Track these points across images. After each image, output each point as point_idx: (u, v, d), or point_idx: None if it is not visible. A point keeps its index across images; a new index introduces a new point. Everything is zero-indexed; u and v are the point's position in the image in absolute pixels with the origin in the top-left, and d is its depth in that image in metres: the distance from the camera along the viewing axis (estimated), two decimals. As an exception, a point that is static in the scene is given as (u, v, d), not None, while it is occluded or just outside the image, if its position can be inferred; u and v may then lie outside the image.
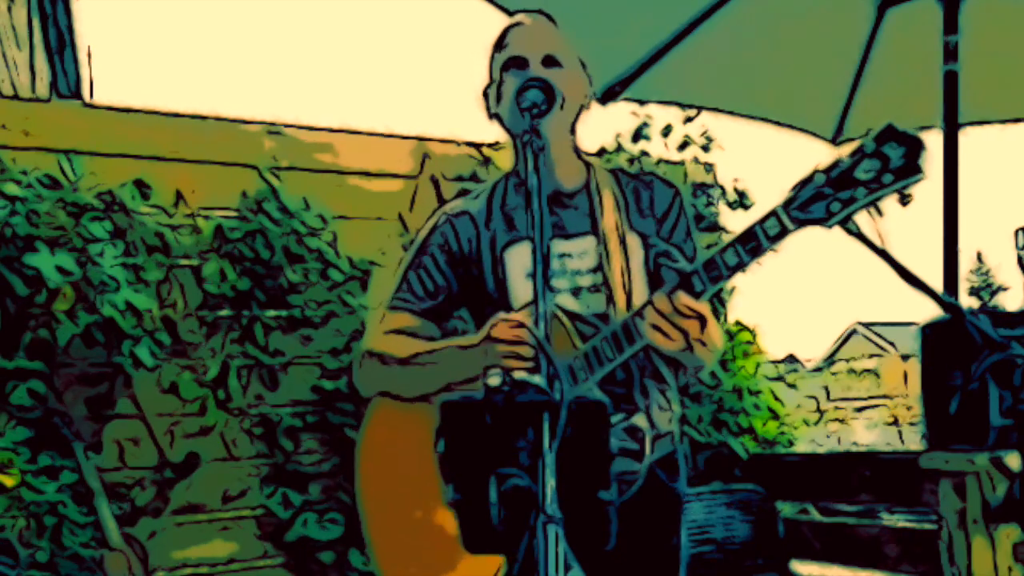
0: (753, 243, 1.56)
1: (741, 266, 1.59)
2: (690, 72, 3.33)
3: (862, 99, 3.56)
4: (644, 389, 1.85)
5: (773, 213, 1.55)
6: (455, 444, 1.54)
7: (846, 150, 1.52)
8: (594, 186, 1.89)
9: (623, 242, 1.85)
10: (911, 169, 1.47)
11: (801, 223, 1.53)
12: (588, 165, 1.93)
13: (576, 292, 1.83)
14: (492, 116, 1.90)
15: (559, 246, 1.85)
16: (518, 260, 1.85)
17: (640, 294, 1.84)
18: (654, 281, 1.88)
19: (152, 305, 3.25)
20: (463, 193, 2.17)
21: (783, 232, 1.54)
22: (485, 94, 1.92)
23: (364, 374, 1.95)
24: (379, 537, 1.90)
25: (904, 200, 1.49)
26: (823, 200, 1.51)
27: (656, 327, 1.62)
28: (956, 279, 2.96)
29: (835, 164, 1.51)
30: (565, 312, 1.78)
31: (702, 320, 1.62)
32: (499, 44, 1.89)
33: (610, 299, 1.81)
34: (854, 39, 3.40)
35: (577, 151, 1.91)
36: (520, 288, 1.83)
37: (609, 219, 1.86)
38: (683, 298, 1.60)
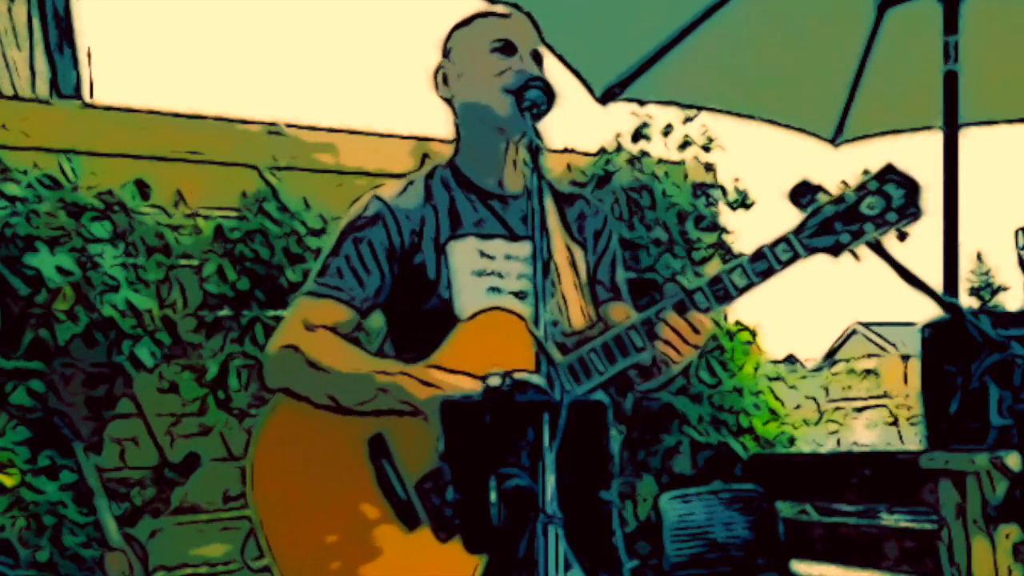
0: (765, 267, 1.62)
1: (750, 287, 1.63)
2: (690, 72, 3.33)
3: (862, 99, 3.56)
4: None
5: (785, 239, 1.62)
6: (455, 444, 1.54)
7: (849, 186, 1.63)
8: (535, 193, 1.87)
9: (570, 250, 1.84)
10: (913, 209, 1.60)
11: (812, 250, 1.62)
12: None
13: (522, 296, 1.77)
14: (447, 99, 1.85)
15: (505, 248, 1.80)
16: (462, 257, 1.78)
17: (589, 302, 1.84)
18: (594, 297, 1.87)
19: (152, 305, 3.25)
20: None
21: (795, 258, 1.62)
22: (437, 72, 1.85)
23: (281, 371, 1.75)
24: (284, 553, 1.73)
25: (902, 237, 1.62)
26: (833, 232, 1.61)
27: (668, 343, 1.63)
28: (956, 279, 2.96)
29: (841, 198, 1.61)
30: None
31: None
32: (468, 24, 1.85)
33: (562, 306, 1.77)
34: (854, 39, 3.40)
35: (523, 159, 1.86)
36: (465, 286, 1.76)
37: (554, 227, 1.83)
38: (697, 316, 1.63)
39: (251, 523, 1.77)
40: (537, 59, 1.81)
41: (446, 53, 1.87)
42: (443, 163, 1.90)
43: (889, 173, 1.60)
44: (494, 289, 1.77)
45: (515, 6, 1.89)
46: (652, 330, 1.63)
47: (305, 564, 1.71)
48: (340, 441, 1.71)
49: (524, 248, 1.78)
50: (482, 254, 1.79)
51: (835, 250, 1.61)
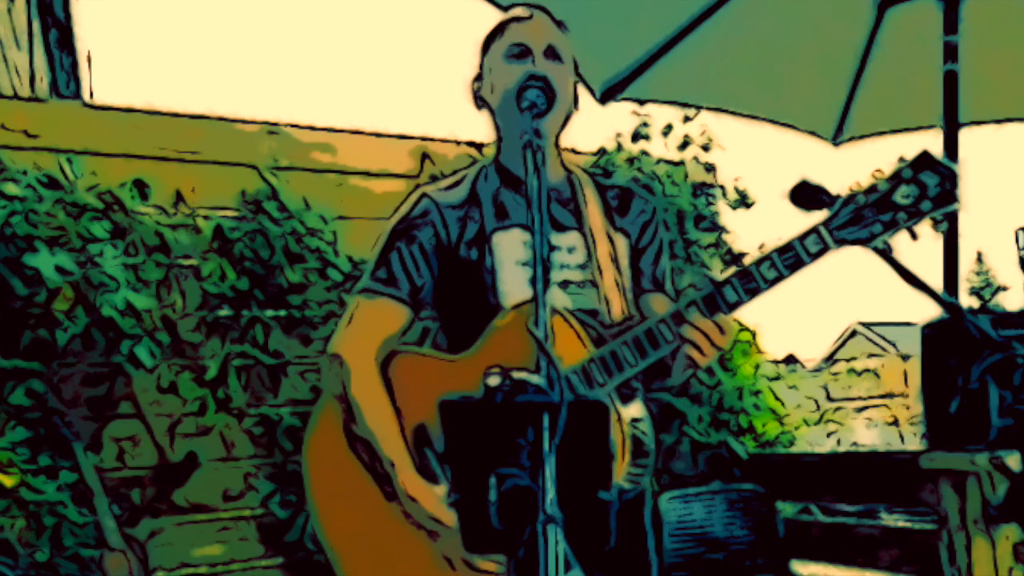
0: (793, 259, 1.60)
1: (780, 279, 1.61)
2: (690, 71, 3.33)
3: (862, 99, 3.56)
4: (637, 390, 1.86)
5: (815, 230, 1.59)
6: (455, 444, 1.54)
7: (883, 174, 1.58)
8: (577, 184, 1.89)
9: (611, 240, 1.85)
10: (948, 198, 1.54)
11: (842, 242, 1.58)
12: (566, 168, 1.92)
13: (564, 286, 1.81)
14: (481, 106, 1.89)
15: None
16: (507, 248, 1.82)
17: (629, 292, 1.85)
18: (636, 286, 1.89)
19: (152, 305, 3.25)
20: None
21: (824, 249, 1.59)
22: (474, 82, 1.90)
23: (331, 383, 1.85)
24: (338, 538, 1.84)
25: (937, 226, 1.55)
26: (864, 222, 1.57)
27: (695, 344, 1.64)
28: (956, 279, 2.95)
29: (873, 188, 1.57)
30: (567, 311, 1.75)
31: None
32: (496, 33, 1.88)
33: (602, 296, 1.80)
34: (854, 39, 3.40)
35: (559, 152, 1.91)
36: (509, 277, 1.80)
37: (595, 216, 1.85)
38: (724, 317, 1.63)
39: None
40: (552, 55, 1.82)
41: (480, 64, 1.90)
42: (490, 161, 1.93)
43: (925, 160, 1.55)
44: None
45: (530, 5, 1.90)
46: (682, 324, 1.64)
47: (354, 546, 1.80)
48: None
49: (567, 238, 1.83)
50: (526, 244, 1.81)
51: (867, 242, 1.57)
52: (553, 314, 1.66)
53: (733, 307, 1.63)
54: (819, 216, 1.61)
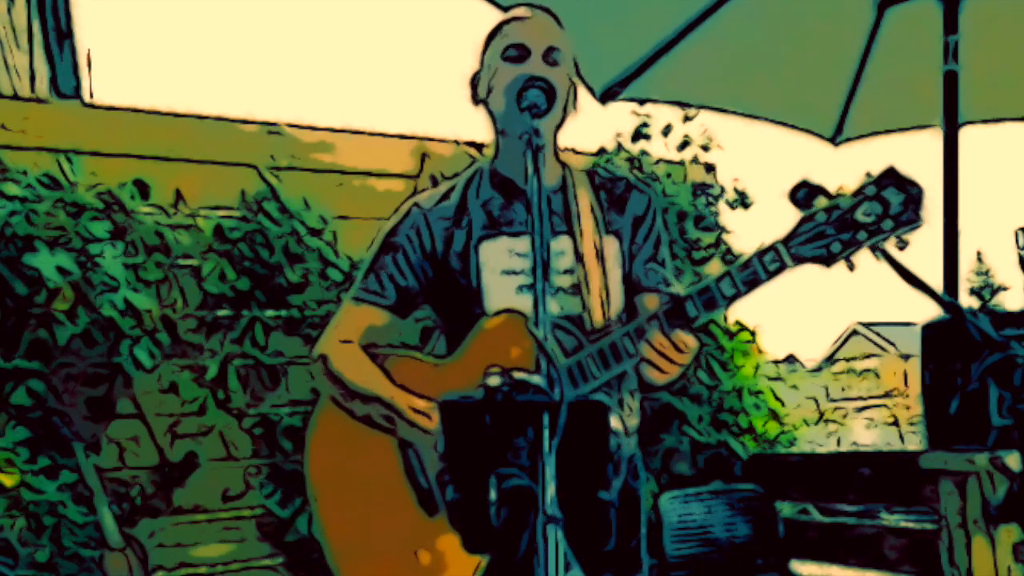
0: (751, 276, 1.58)
1: (737, 296, 1.60)
2: (690, 71, 3.33)
3: (862, 99, 3.55)
4: (620, 396, 1.85)
5: (773, 248, 1.57)
6: (455, 444, 1.54)
7: (847, 189, 1.54)
8: (571, 186, 1.88)
9: (599, 244, 1.84)
10: (911, 217, 1.50)
11: (801, 260, 1.56)
12: (564, 165, 1.91)
13: (553, 293, 1.80)
14: (479, 103, 1.88)
15: None
16: (492, 257, 1.82)
17: (616, 297, 1.84)
18: (631, 285, 1.88)
19: (152, 305, 3.25)
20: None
21: (782, 268, 1.57)
22: (473, 80, 1.89)
23: (318, 376, 1.92)
24: (335, 536, 1.86)
25: (902, 246, 1.52)
26: (824, 239, 1.54)
27: (652, 363, 1.64)
28: (956, 279, 2.95)
29: (836, 205, 1.54)
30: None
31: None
32: (496, 32, 1.87)
33: (586, 302, 1.80)
34: (854, 39, 3.40)
35: (556, 151, 1.90)
36: (495, 285, 1.81)
37: (586, 220, 1.84)
38: (681, 336, 1.62)
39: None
40: (550, 59, 1.81)
41: (480, 62, 1.89)
42: (487, 163, 1.93)
43: (889, 177, 1.50)
44: (524, 287, 1.78)
45: (532, 6, 1.89)
46: (644, 336, 1.64)
47: (355, 547, 1.83)
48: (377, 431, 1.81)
49: (557, 243, 1.82)
50: (512, 252, 1.82)
51: (825, 260, 1.54)
52: (525, 320, 1.67)
53: (693, 321, 1.62)
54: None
